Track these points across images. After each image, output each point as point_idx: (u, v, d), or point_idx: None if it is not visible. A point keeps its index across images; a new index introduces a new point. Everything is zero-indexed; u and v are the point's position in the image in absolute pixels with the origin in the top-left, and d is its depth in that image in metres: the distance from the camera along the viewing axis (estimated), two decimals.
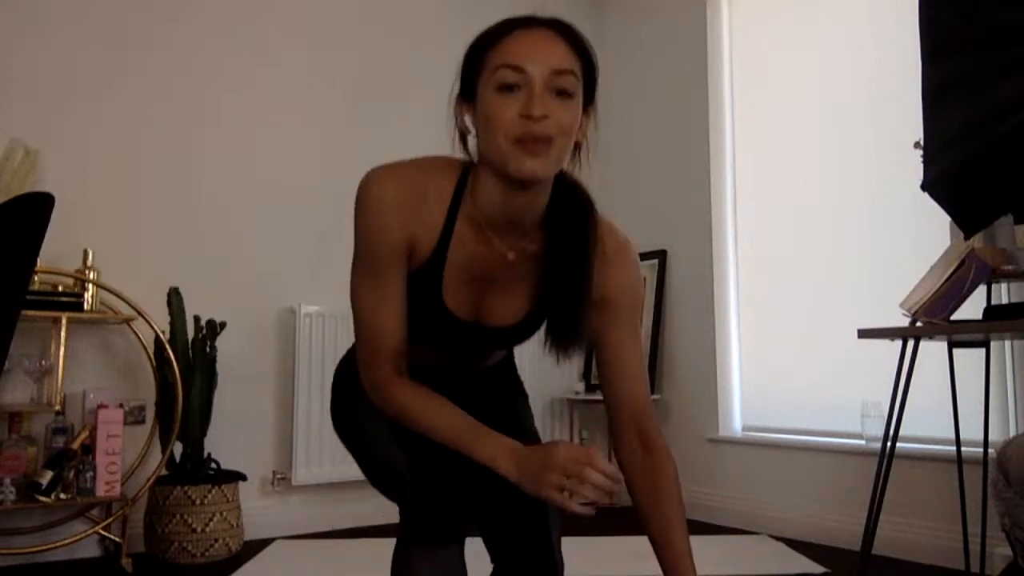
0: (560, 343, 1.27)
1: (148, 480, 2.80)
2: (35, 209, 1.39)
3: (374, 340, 1.24)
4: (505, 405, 1.48)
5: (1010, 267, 2.23)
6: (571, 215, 1.28)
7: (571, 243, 1.25)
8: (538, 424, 4.06)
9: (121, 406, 2.82)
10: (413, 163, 1.28)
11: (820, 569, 2.60)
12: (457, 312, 1.27)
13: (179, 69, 3.20)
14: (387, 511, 3.53)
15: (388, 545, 3.03)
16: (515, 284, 1.28)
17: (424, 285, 1.25)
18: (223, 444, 3.10)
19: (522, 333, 1.34)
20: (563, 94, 1.17)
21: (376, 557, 2.79)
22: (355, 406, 1.39)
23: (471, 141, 1.27)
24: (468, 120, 1.29)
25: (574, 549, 2.91)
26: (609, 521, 3.51)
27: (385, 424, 1.30)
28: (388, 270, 1.22)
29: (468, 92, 1.27)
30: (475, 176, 1.24)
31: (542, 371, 3.84)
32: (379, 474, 1.45)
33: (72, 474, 2.67)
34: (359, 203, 1.23)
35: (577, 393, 3.85)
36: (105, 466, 2.70)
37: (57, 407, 2.68)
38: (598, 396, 3.75)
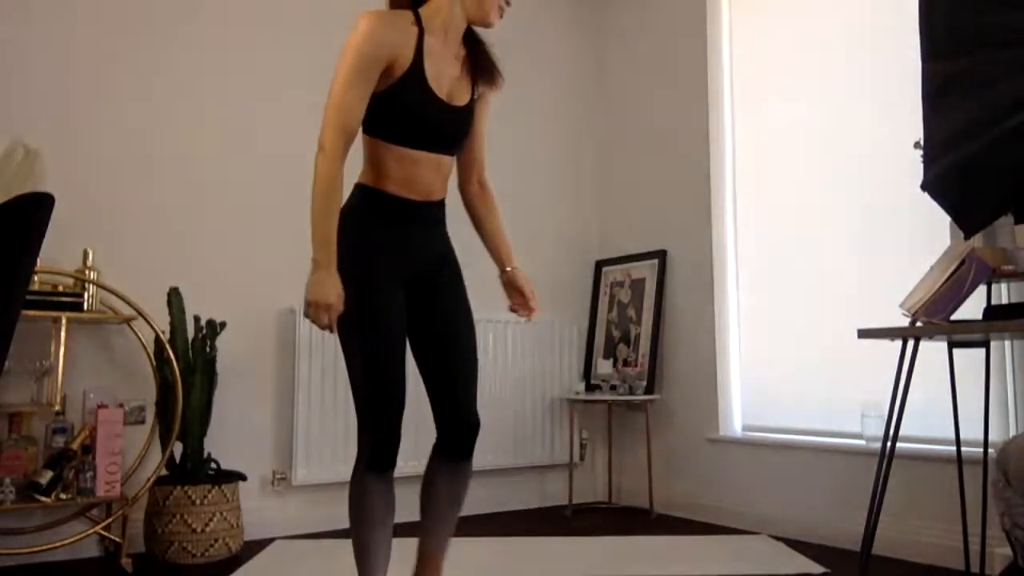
0: (486, 80, 1.89)
1: (148, 480, 2.80)
2: (35, 209, 1.40)
3: (341, 116, 1.74)
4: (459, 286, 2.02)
5: (1010, 267, 2.23)
6: (473, 33, 1.89)
7: (480, 48, 1.89)
8: (538, 424, 4.08)
9: (121, 406, 2.82)
10: (381, 10, 1.80)
11: (820, 569, 2.61)
12: (439, 95, 1.79)
13: (179, 69, 3.20)
14: None
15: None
16: (461, 74, 1.85)
17: (413, 82, 1.76)
18: (223, 444, 3.11)
19: (472, 111, 1.90)
20: None
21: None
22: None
23: None
24: None
25: (575, 549, 2.91)
26: (609, 521, 3.51)
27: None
28: (366, 73, 1.74)
29: None
30: (435, 7, 1.80)
31: (542, 371, 3.86)
32: (376, 401, 1.76)
33: (72, 474, 2.67)
34: (355, 33, 1.74)
35: (577, 393, 3.85)
36: (105, 466, 2.70)
37: (57, 407, 2.68)
38: (598, 396, 3.76)
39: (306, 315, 1.65)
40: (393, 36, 1.74)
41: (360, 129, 1.79)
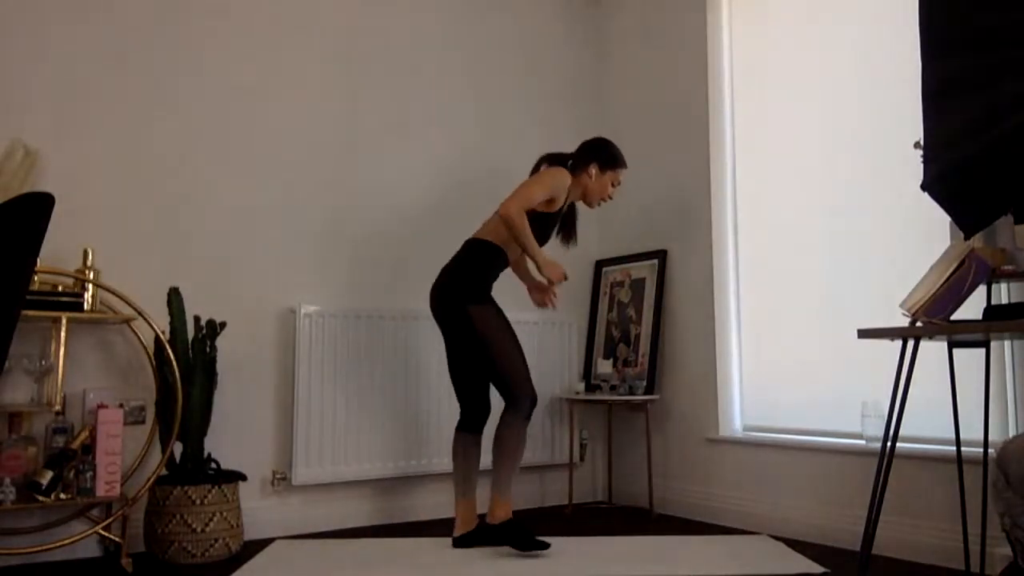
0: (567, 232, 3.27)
1: (148, 480, 2.80)
2: (35, 209, 1.40)
3: (524, 203, 2.87)
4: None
5: (1010, 267, 2.23)
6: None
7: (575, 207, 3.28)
8: (538, 424, 4.08)
9: (121, 406, 2.82)
10: (567, 173, 3.06)
11: (820, 569, 2.61)
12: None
13: (179, 69, 3.20)
14: (387, 511, 3.54)
15: (388, 545, 3.06)
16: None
17: (558, 213, 3.05)
18: (223, 444, 3.11)
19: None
20: None
21: (376, 557, 2.80)
22: (504, 328, 2.93)
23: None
24: (594, 171, 3.10)
25: (575, 549, 2.91)
26: (609, 521, 3.51)
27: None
28: (549, 196, 2.96)
29: (605, 166, 3.12)
30: (577, 183, 3.11)
31: (542, 371, 3.86)
32: (519, 369, 2.89)
33: (72, 474, 2.67)
34: (556, 174, 3.00)
35: (577, 393, 3.85)
36: (105, 466, 2.70)
37: (57, 407, 2.68)
38: (598, 396, 3.76)
39: (550, 278, 2.91)
40: (566, 190, 3.03)
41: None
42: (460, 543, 2.89)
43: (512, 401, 2.88)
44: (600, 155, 3.09)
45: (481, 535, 2.88)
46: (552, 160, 3.11)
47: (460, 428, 3.00)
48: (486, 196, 3.90)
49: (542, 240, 3.00)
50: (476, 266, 2.96)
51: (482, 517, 2.95)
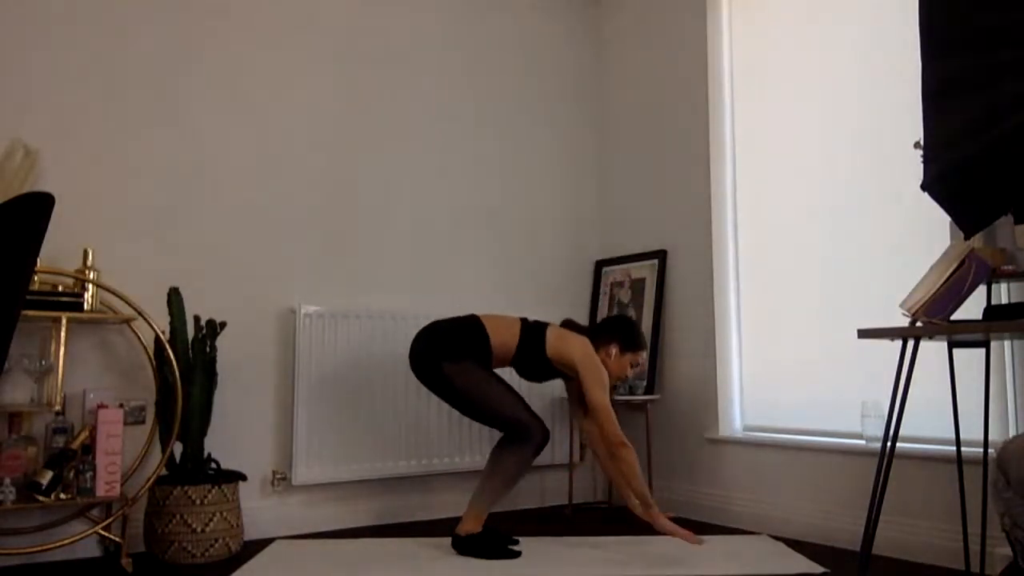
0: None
1: (148, 480, 2.80)
2: (35, 209, 1.40)
3: (612, 414, 2.79)
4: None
5: (1010, 267, 2.23)
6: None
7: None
8: None
9: (121, 406, 2.82)
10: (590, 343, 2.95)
11: (820, 569, 2.60)
12: None
13: (179, 69, 3.20)
14: (387, 511, 3.53)
15: (388, 545, 3.05)
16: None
17: (566, 377, 3.09)
18: (223, 444, 3.11)
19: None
20: None
21: (376, 557, 2.80)
22: (486, 379, 2.85)
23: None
24: (615, 350, 2.98)
25: (575, 549, 2.91)
26: (609, 521, 3.51)
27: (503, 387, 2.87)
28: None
29: (626, 347, 3.00)
30: (604, 358, 2.97)
31: None
32: (512, 402, 2.83)
33: (72, 474, 2.67)
34: (598, 364, 2.88)
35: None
36: (105, 466, 2.70)
37: (57, 407, 2.68)
38: None
39: (684, 539, 2.67)
40: None
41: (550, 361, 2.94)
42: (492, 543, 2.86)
43: (521, 435, 2.82)
44: (623, 336, 2.99)
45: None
46: (571, 327, 3.03)
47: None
48: (487, 196, 3.90)
49: (532, 373, 2.98)
50: (464, 340, 2.87)
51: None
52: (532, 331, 2.93)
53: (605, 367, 2.91)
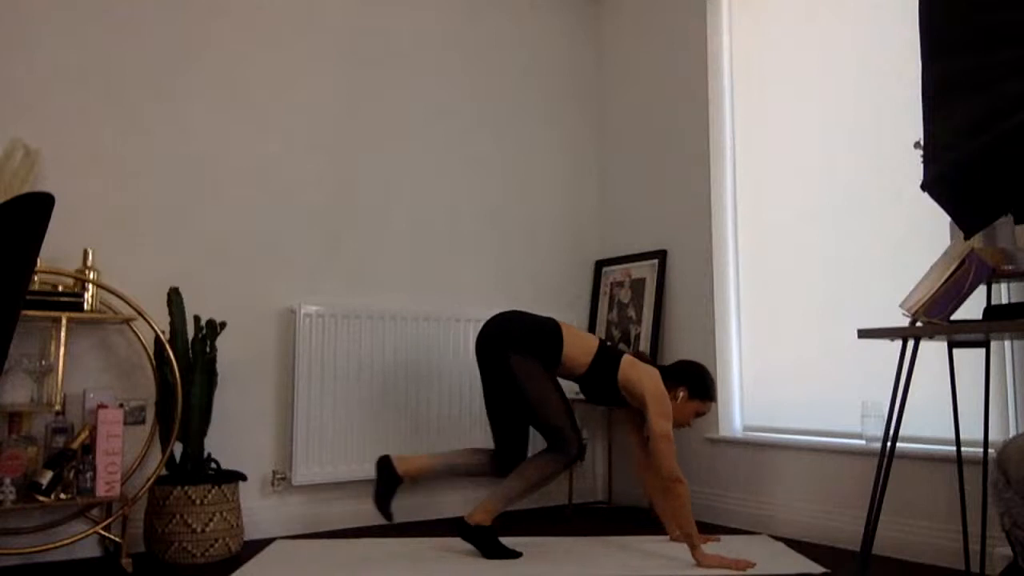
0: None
1: (148, 480, 2.80)
2: (35, 209, 1.39)
3: (673, 453, 2.74)
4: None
5: (1010, 267, 2.23)
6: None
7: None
8: None
9: (121, 406, 2.82)
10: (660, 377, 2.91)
11: (820, 569, 2.60)
12: None
13: (179, 69, 3.20)
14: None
15: (388, 545, 3.05)
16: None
17: (629, 406, 3.06)
18: (223, 444, 3.11)
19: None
20: None
21: (376, 557, 2.80)
22: (548, 381, 2.85)
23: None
24: (683, 394, 2.93)
25: (575, 549, 2.91)
26: (609, 521, 3.51)
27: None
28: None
29: (694, 394, 2.95)
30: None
31: None
32: (563, 412, 2.82)
33: (72, 474, 2.67)
34: (665, 396, 2.83)
35: (577, 393, 3.84)
36: (105, 466, 2.70)
37: (57, 407, 2.68)
38: None
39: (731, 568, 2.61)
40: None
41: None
42: (384, 467, 2.90)
43: (558, 446, 2.81)
44: (694, 382, 2.94)
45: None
46: (641, 358, 2.98)
47: (493, 455, 2.97)
48: (486, 196, 3.90)
49: (597, 395, 2.97)
50: (539, 340, 2.86)
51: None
52: (607, 355, 2.92)
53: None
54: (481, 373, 2.95)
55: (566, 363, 2.90)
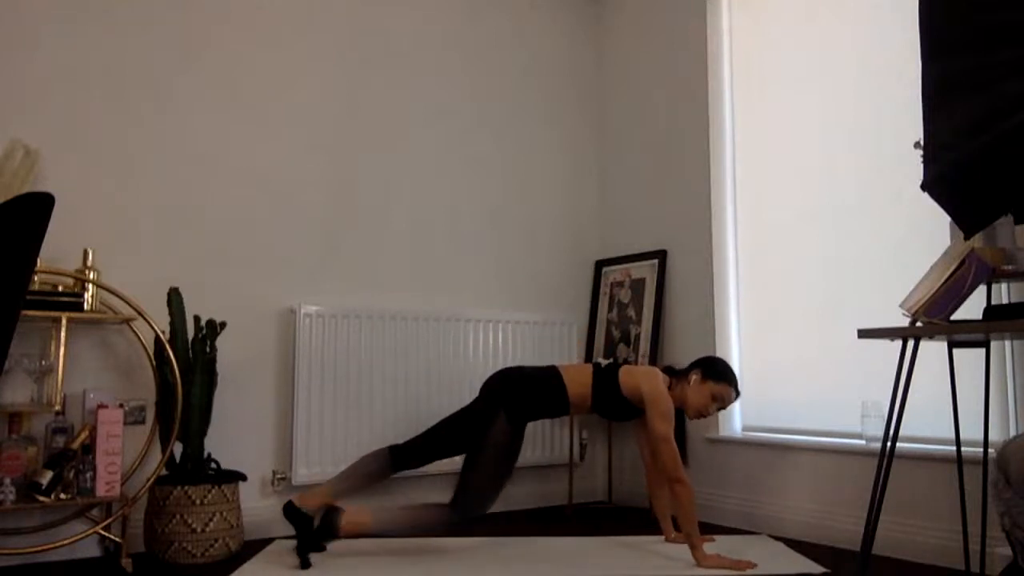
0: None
1: (148, 480, 2.80)
2: (35, 209, 1.40)
3: (675, 453, 2.71)
4: None
5: (1010, 267, 2.23)
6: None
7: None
8: (538, 424, 4.08)
9: (121, 406, 2.82)
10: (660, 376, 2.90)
11: (820, 569, 2.60)
12: None
13: (179, 69, 3.20)
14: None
15: (388, 545, 3.05)
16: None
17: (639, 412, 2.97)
18: (223, 444, 3.11)
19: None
20: None
21: (375, 557, 2.80)
22: (511, 455, 2.85)
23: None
24: (695, 377, 2.90)
25: (575, 549, 2.91)
26: (609, 521, 3.51)
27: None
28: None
29: (707, 375, 2.89)
30: (676, 381, 2.94)
31: None
32: (489, 488, 2.77)
33: (72, 474, 2.67)
34: (665, 395, 2.80)
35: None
36: (105, 466, 2.70)
37: (57, 407, 2.68)
38: None
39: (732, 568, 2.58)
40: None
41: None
42: (289, 512, 2.72)
43: (461, 506, 2.73)
44: (707, 365, 2.91)
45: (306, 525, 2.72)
46: (669, 373, 2.97)
47: (390, 451, 2.90)
48: (486, 196, 3.90)
49: (614, 413, 2.91)
50: (543, 392, 2.86)
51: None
52: (603, 374, 2.89)
53: (684, 396, 2.86)
54: (471, 404, 2.92)
55: (574, 400, 2.89)
